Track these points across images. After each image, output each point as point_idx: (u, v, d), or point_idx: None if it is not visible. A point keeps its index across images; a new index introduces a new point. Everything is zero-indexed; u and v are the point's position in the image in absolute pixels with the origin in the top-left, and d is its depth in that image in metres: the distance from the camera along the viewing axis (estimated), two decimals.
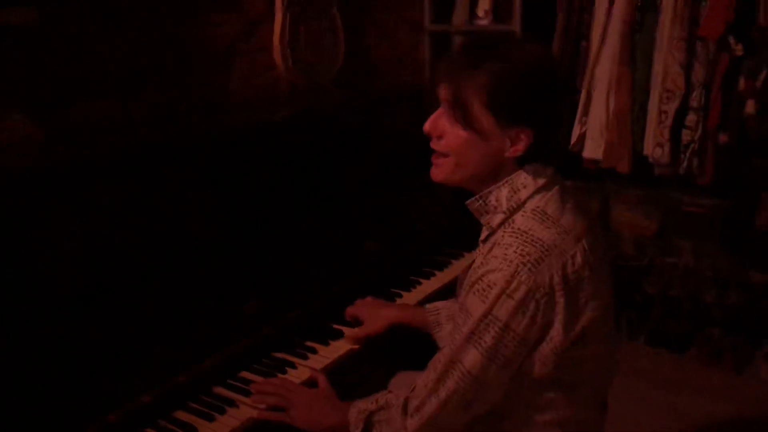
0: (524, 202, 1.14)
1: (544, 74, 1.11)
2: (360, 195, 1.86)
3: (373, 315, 1.53)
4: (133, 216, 1.41)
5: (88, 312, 1.26)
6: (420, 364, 1.53)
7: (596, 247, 1.14)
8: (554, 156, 1.20)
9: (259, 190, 1.62)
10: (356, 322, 1.57)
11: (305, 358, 1.46)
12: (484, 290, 1.08)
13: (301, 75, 2.14)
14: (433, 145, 1.18)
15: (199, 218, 1.52)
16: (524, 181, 1.15)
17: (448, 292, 1.80)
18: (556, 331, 1.09)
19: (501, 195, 1.15)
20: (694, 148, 2.24)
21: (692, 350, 2.68)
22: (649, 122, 2.31)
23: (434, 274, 1.85)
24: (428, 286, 1.80)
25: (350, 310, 1.58)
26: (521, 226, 1.11)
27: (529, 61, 1.10)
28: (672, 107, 2.22)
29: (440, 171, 1.18)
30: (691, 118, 2.23)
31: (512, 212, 1.14)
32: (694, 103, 2.21)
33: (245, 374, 1.41)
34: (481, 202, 1.18)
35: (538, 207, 1.13)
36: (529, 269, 1.07)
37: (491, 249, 1.12)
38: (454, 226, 1.99)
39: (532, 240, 1.09)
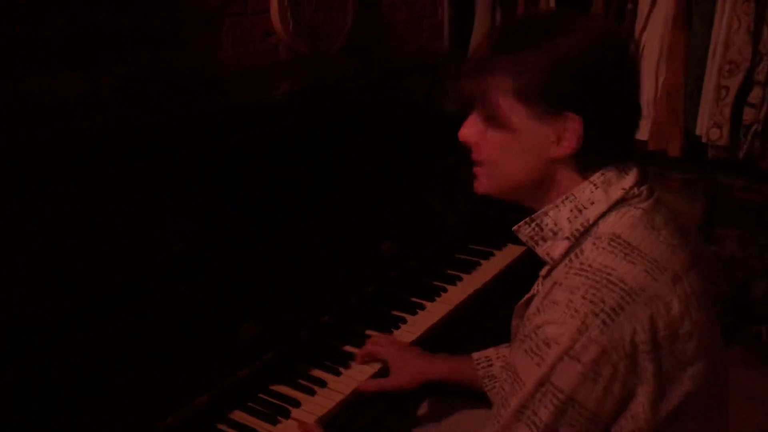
0: (594, 224, 0.86)
1: (595, 51, 0.85)
2: (375, 185, 1.58)
3: (401, 365, 1.22)
4: (99, 219, 1.13)
5: (30, 345, 0.99)
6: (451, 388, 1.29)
7: (702, 288, 0.86)
8: (625, 155, 0.91)
9: (255, 184, 1.34)
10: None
11: (312, 393, 1.20)
12: (539, 348, 0.81)
13: (305, 41, 1.84)
14: (473, 156, 0.95)
15: (181, 220, 1.23)
16: (591, 195, 0.87)
17: (479, 302, 1.54)
18: (641, 407, 0.81)
19: (560, 216, 0.88)
20: (757, 129, 1.95)
21: (736, 349, 2.45)
22: (704, 98, 2.02)
23: (461, 279, 1.59)
24: (455, 294, 1.53)
25: (372, 349, 1.27)
26: (593, 262, 0.83)
27: (573, 36, 0.85)
28: (734, 82, 1.92)
29: (479, 183, 0.96)
30: (755, 93, 1.93)
31: (579, 238, 0.87)
32: (760, 77, 1.91)
33: (238, 415, 1.15)
34: (533, 226, 0.91)
35: (615, 233, 0.85)
36: (603, 322, 0.79)
37: (551, 289, 0.85)
38: (483, 219, 1.72)
39: (609, 281, 0.81)
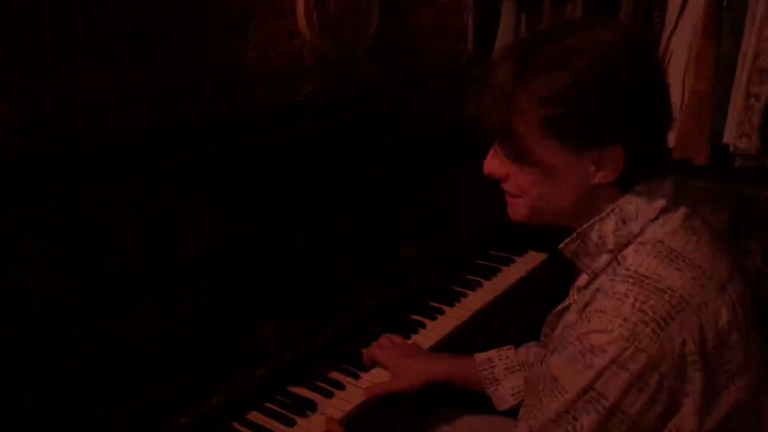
0: (637, 236, 0.85)
1: (621, 69, 0.81)
2: (396, 189, 1.57)
3: (405, 367, 1.21)
4: (123, 216, 1.14)
5: (47, 343, 1.00)
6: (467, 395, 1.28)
7: (745, 295, 0.85)
8: (663, 164, 0.90)
9: (276, 185, 1.34)
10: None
11: (329, 395, 1.19)
12: (583, 355, 0.80)
13: (330, 44, 1.84)
14: (503, 186, 0.92)
15: (202, 220, 1.24)
16: (636, 207, 0.86)
17: (499, 308, 1.52)
18: (687, 418, 0.80)
19: (605, 229, 0.87)
20: None
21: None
22: (732, 106, 1.97)
23: (481, 285, 1.57)
24: (474, 299, 1.52)
25: (375, 353, 1.25)
26: (639, 268, 0.82)
27: (594, 57, 0.80)
28: (766, 90, 1.88)
29: (516, 212, 0.93)
30: None
31: (621, 251, 0.86)
32: None
33: (255, 415, 1.15)
34: (579, 242, 0.89)
35: (657, 238, 0.84)
36: (653, 331, 0.78)
37: (594, 298, 0.84)
38: (502, 224, 1.69)
39: (658, 289, 0.80)
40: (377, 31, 1.97)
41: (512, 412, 1.16)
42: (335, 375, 1.24)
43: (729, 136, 2.01)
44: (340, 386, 1.21)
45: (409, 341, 1.35)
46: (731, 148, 2.01)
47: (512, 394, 1.19)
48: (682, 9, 2.00)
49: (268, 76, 1.71)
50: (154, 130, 1.24)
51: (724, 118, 2.01)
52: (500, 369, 1.20)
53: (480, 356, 1.23)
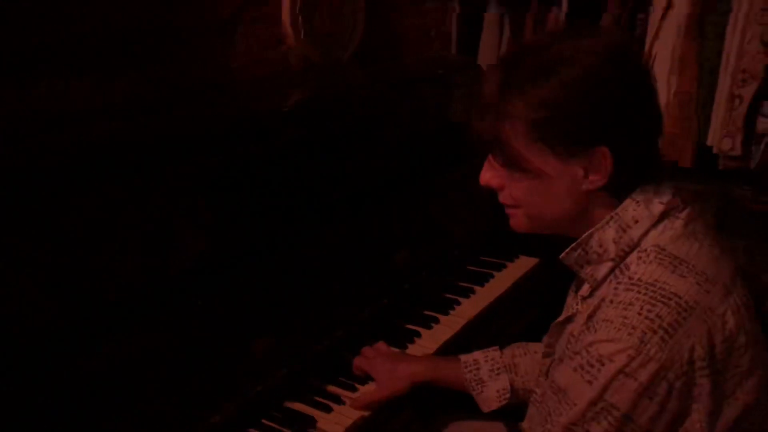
0: (639, 242, 0.85)
1: (608, 76, 0.82)
2: (386, 196, 1.55)
3: (388, 372, 1.19)
4: (110, 230, 1.10)
5: (36, 358, 0.96)
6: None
7: (748, 297, 0.86)
8: (656, 169, 0.90)
9: (266, 195, 1.31)
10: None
11: (327, 410, 1.17)
12: (591, 366, 0.80)
13: (316, 49, 1.81)
14: (500, 199, 0.93)
15: (193, 233, 1.20)
16: (635, 213, 0.85)
17: (494, 314, 1.51)
18: (697, 424, 0.80)
19: (606, 237, 0.87)
20: None
21: None
22: (716, 108, 1.99)
23: (474, 291, 1.56)
24: (468, 307, 1.51)
25: (358, 363, 1.24)
26: (643, 276, 0.82)
27: (581, 64, 0.82)
28: (749, 91, 1.90)
29: (516, 223, 0.94)
30: None
31: (623, 258, 0.86)
32: None
33: None
34: (579, 251, 0.89)
35: (660, 246, 0.84)
36: (661, 338, 0.78)
37: (599, 307, 0.84)
38: (494, 230, 1.69)
39: (664, 296, 0.79)
40: (363, 35, 1.95)
41: (519, 417, 1.14)
42: (332, 389, 1.21)
43: (713, 138, 2.02)
44: (339, 400, 1.18)
45: (406, 351, 1.33)
46: (715, 150, 2.03)
47: (497, 397, 1.18)
48: (665, 11, 2.01)
49: (254, 83, 1.68)
50: (140, 139, 1.21)
51: (708, 119, 2.02)
52: (485, 371, 1.19)
53: (465, 358, 1.21)
